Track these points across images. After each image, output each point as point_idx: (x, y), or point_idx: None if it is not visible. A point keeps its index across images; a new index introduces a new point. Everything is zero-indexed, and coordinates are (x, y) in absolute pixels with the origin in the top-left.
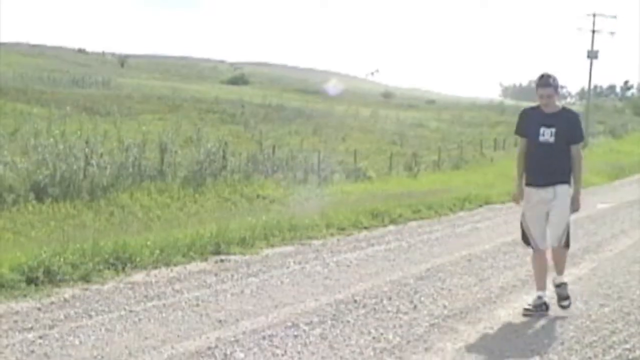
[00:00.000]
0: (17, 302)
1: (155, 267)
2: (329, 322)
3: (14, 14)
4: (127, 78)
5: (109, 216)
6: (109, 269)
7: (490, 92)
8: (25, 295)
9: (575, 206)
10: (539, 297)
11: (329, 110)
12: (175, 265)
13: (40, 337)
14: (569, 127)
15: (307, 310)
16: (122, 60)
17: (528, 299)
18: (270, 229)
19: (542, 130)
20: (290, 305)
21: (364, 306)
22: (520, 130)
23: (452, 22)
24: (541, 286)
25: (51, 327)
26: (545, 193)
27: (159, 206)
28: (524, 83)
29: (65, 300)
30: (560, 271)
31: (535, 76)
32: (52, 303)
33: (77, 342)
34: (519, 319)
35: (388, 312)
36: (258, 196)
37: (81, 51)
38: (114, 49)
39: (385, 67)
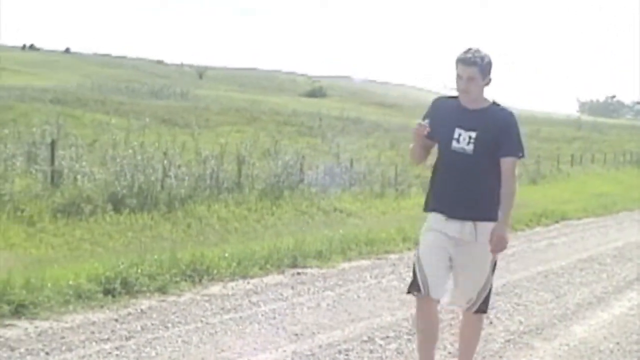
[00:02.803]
0: (94, 312)
1: (232, 280)
2: (405, 337)
3: (93, 25)
4: (205, 90)
5: (186, 228)
6: (186, 280)
7: (567, 108)
8: (102, 306)
9: (500, 245)
10: None
11: (406, 123)
12: (252, 277)
13: (117, 348)
14: (499, 132)
15: (383, 324)
16: (201, 72)
17: (604, 315)
18: (347, 242)
19: (457, 132)
20: (367, 320)
21: (440, 321)
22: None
23: (529, 37)
24: (426, 357)
25: (128, 339)
26: (458, 229)
27: (236, 218)
28: (602, 99)
29: (142, 311)
30: (467, 355)
31: (612, 92)
32: (129, 314)
33: (153, 353)
34: (595, 336)
35: None
36: (335, 209)
37: (160, 62)
38: (193, 60)
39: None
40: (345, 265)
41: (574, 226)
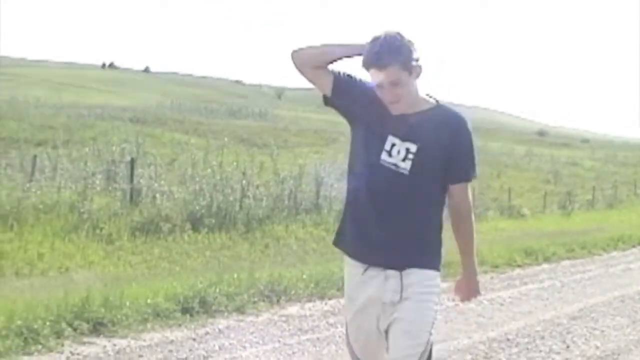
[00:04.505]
0: (172, 331)
1: (310, 300)
2: (482, 359)
3: (173, 44)
4: (283, 110)
5: (264, 248)
6: (263, 301)
7: (629, 130)
8: (180, 325)
9: (471, 292)
10: None
11: (483, 147)
12: (329, 298)
13: None
14: (449, 146)
15: (460, 347)
16: (279, 93)
17: None
18: None
19: (389, 142)
20: (443, 342)
21: (517, 345)
22: (344, 93)
23: (607, 60)
24: None
25: (205, 358)
26: (378, 287)
27: (314, 239)
28: None
29: (220, 331)
30: None
31: None
32: (206, 333)
33: None
34: None
35: (540, 351)
36: None
37: (238, 82)
38: (271, 81)
39: (541, 105)
40: None
41: None
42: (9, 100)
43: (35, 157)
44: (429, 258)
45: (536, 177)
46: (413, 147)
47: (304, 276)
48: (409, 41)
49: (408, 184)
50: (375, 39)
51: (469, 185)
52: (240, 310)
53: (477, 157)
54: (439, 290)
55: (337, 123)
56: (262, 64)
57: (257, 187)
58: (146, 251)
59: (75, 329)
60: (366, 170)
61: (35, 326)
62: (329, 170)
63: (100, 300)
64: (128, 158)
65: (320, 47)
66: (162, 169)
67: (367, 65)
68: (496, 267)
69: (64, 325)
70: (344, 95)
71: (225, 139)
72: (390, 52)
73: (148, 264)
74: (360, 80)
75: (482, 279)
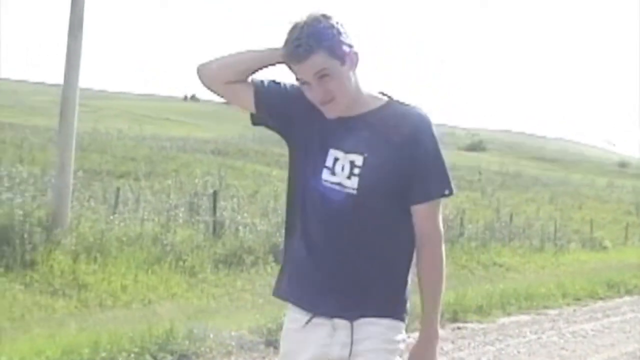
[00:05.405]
0: None
1: None
2: None
3: None
4: None
5: None
6: None
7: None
8: (264, 358)
9: None
10: None
11: (565, 178)
12: (412, 331)
13: None
14: (406, 152)
15: None
16: None
17: None
18: (506, 297)
19: (331, 156)
20: None
21: None
22: (269, 108)
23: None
24: None
25: None
26: (323, 340)
27: None
28: None
29: None
30: None
31: None
32: None
33: None
34: None
35: None
36: (494, 264)
37: None
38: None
39: (621, 136)
40: (505, 320)
41: None
42: (91, 132)
43: (118, 189)
44: (388, 303)
45: (618, 208)
46: (358, 160)
47: None
48: (337, 22)
49: (357, 207)
50: (294, 26)
51: (439, 207)
52: None
53: (448, 168)
54: (401, 345)
55: None
56: None
57: None
58: (229, 283)
59: None
60: (306, 194)
61: (120, 358)
62: None
63: (184, 333)
64: (210, 190)
65: (229, 57)
66: (245, 201)
67: (286, 59)
68: (578, 299)
69: (148, 357)
70: (271, 109)
71: None
72: (311, 36)
73: (231, 296)
74: (292, 86)
75: (565, 311)
